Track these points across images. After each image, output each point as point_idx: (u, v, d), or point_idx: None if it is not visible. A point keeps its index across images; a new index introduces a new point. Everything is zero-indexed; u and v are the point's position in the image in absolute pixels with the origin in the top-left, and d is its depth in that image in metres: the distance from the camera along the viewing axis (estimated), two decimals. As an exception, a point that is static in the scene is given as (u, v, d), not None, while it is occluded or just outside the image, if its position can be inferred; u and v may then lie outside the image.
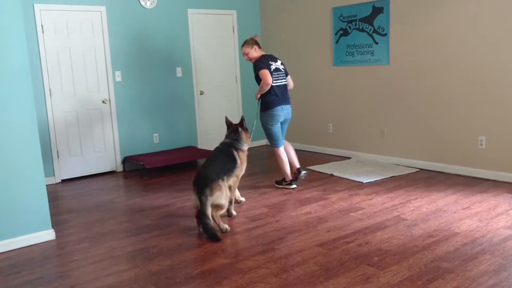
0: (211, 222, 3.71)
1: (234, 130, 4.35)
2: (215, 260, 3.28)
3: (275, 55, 5.09)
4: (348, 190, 4.86)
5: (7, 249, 3.64)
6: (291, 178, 5.05)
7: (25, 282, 3.09)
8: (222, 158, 4.12)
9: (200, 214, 3.72)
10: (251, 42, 4.92)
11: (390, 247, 3.35)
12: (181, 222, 4.13)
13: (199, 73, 6.91)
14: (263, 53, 4.97)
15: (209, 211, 3.72)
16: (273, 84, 4.78)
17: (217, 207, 3.83)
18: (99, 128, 6.10)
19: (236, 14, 7.27)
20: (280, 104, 4.85)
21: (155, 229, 3.99)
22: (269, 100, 4.82)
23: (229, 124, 4.47)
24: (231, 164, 4.13)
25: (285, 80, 4.97)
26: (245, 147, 4.35)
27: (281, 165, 5.01)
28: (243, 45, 4.95)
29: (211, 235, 3.64)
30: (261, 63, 4.78)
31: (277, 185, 5.14)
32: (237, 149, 4.26)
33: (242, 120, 4.41)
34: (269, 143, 5.12)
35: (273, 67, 4.83)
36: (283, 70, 4.96)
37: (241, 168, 4.27)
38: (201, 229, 3.79)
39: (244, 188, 5.07)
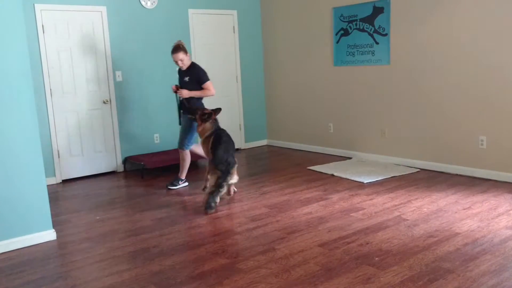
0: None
1: (216, 120, 4.80)
2: (216, 260, 3.28)
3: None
4: (349, 190, 4.86)
5: (8, 249, 3.64)
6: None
7: (26, 282, 3.09)
8: (232, 144, 4.68)
9: (215, 189, 4.31)
10: (184, 48, 4.93)
11: (391, 247, 3.35)
12: (182, 222, 4.13)
13: (200, 73, 6.90)
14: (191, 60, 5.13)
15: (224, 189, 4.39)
16: None
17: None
18: (99, 128, 6.10)
19: (237, 14, 7.27)
20: None
21: (155, 229, 3.99)
22: (200, 105, 5.04)
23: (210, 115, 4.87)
24: (234, 149, 4.74)
25: None
26: None
27: (187, 166, 5.25)
28: (177, 51, 4.87)
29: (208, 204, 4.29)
30: (206, 74, 4.98)
31: (172, 187, 5.26)
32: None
33: (217, 110, 4.78)
34: (180, 145, 5.18)
35: None
36: None
37: None
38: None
39: (244, 188, 5.08)
